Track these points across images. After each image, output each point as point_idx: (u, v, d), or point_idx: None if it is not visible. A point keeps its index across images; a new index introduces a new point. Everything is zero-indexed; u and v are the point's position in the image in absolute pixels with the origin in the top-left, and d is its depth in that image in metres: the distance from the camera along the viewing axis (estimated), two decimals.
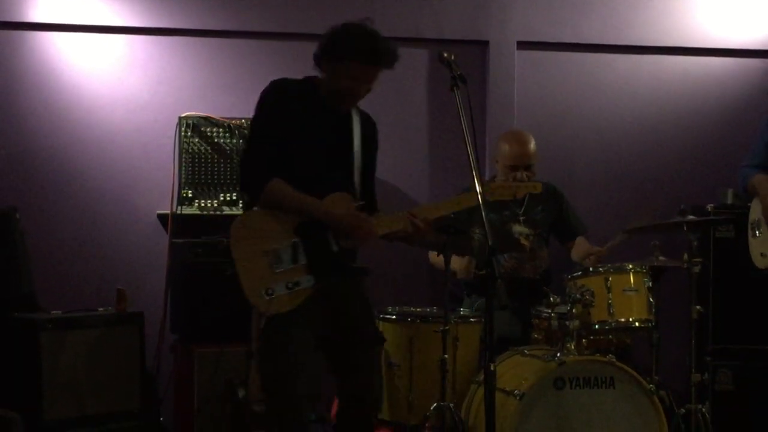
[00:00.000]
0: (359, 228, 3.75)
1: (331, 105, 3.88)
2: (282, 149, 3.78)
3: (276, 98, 3.85)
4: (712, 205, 5.50)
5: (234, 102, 5.46)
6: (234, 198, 5.25)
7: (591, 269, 4.61)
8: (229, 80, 5.59)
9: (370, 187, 4.04)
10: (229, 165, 5.27)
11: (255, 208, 3.81)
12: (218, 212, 5.25)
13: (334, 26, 3.86)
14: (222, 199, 5.26)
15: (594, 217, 5.47)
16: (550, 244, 5.31)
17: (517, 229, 5.11)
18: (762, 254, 4.81)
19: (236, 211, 5.21)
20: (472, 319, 4.71)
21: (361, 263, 3.97)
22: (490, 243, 3.33)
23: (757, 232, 4.86)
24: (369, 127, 4.02)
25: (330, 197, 3.79)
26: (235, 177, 5.25)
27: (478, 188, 3.43)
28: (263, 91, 3.88)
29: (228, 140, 5.29)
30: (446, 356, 4.38)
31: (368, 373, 3.91)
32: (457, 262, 4.79)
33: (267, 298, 3.67)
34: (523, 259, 5.14)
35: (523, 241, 5.11)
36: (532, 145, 5.14)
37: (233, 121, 5.29)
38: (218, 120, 5.29)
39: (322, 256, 3.76)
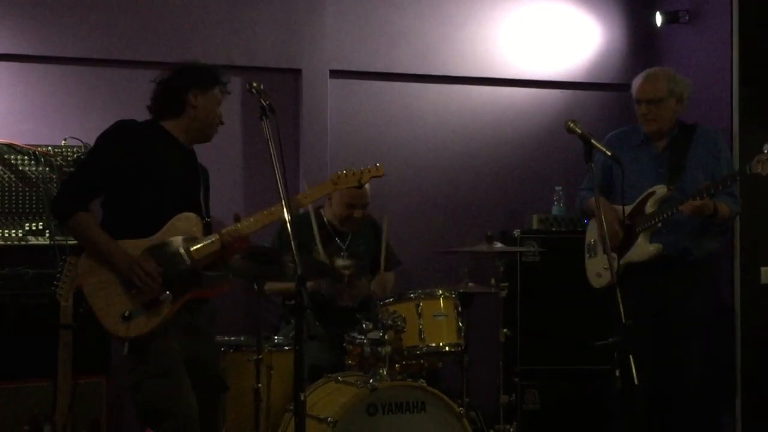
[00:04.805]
0: (139, 279, 3.69)
1: (206, 136, 4.01)
2: (105, 188, 3.80)
3: (118, 137, 3.84)
4: (518, 230, 5.68)
5: (39, 129, 5.30)
6: (40, 227, 5.08)
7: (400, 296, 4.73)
8: (34, 106, 5.42)
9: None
10: (34, 193, 5.09)
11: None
12: (23, 242, 5.06)
13: (186, 62, 4.03)
14: (27, 228, 5.07)
15: (407, 244, 5.56)
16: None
17: (339, 263, 5.18)
18: (598, 274, 4.96)
19: (42, 241, 5.05)
20: (286, 347, 4.69)
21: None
22: (299, 272, 3.34)
23: (592, 253, 5.04)
24: (204, 171, 4.14)
25: (177, 216, 3.83)
26: (41, 206, 5.08)
27: (286, 217, 3.44)
28: (109, 128, 3.87)
29: (33, 168, 5.11)
30: (260, 385, 4.36)
31: (210, 419, 3.90)
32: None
33: (124, 321, 3.62)
34: (341, 287, 5.18)
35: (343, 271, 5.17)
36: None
37: (39, 149, 5.11)
38: (23, 147, 5.10)
39: (176, 271, 3.75)
